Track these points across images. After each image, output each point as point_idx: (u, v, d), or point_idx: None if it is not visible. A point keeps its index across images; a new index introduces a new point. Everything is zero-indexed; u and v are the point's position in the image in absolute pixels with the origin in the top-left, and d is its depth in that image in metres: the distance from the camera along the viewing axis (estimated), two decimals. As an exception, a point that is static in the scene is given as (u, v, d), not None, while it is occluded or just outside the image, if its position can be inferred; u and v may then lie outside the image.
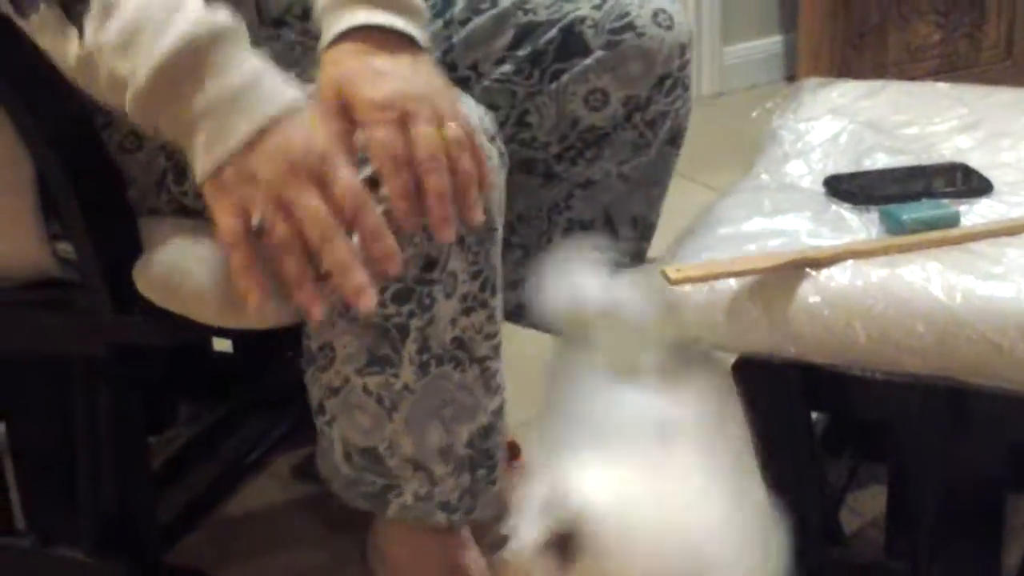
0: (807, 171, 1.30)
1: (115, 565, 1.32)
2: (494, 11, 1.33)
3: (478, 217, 1.03)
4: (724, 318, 1.13)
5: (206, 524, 1.52)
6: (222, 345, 1.68)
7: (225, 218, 0.98)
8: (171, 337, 1.17)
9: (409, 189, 1.00)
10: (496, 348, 1.17)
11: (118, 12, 0.98)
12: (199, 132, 0.98)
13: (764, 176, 1.30)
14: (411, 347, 1.13)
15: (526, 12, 1.33)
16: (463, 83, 1.30)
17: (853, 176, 1.27)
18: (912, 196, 1.21)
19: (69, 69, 1.02)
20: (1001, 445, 1.19)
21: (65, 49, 1.01)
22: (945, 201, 1.20)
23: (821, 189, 1.25)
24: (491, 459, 1.20)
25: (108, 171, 1.15)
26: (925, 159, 1.30)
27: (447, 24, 1.34)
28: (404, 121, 1.00)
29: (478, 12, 1.34)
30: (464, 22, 1.34)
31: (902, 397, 1.17)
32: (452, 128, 1.01)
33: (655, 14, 1.32)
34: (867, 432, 1.47)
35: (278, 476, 1.65)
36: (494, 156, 1.11)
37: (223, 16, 0.99)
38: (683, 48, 1.34)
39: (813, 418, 1.30)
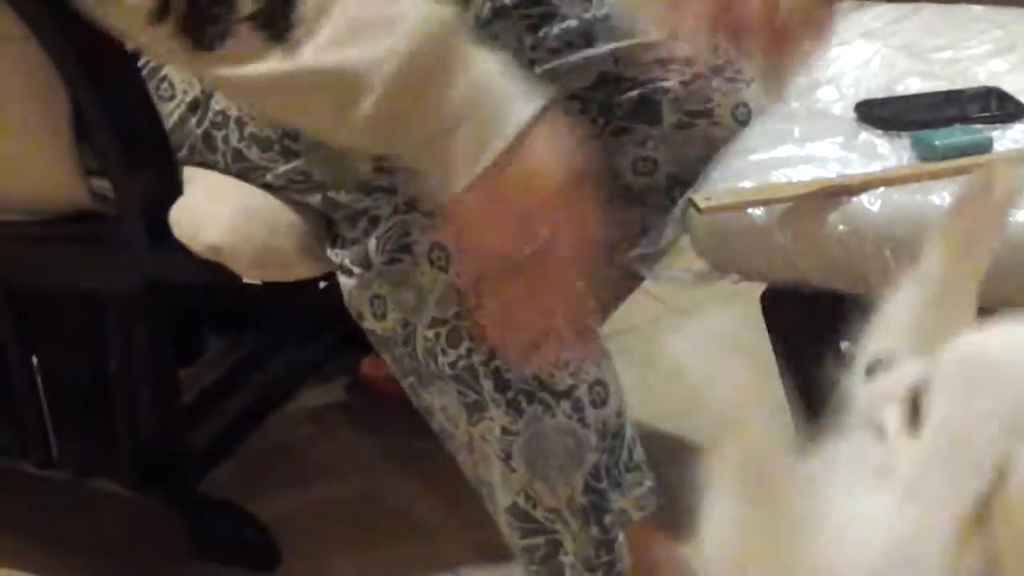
0: (838, 97, 1.29)
1: (152, 497, 1.36)
2: (587, 53, 1.30)
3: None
4: (753, 248, 1.13)
5: (235, 456, 1.54)
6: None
7: (482, 248, 0.95)
8: (207, 275, 1.18)
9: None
10: (578, 375, 1.15)
11: (330, 22, 0.92)
12: (440, 148, 0.94)
13: (794, 103, 1.30)
14: (487, 384, 1.13)
15: (617, 62, 1.31)
16: None
17: (885, 101, 1.26)
18: (945, 121, 1.21)
19: (248, 89, 0.97)
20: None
21: (248, 69, 0.95)
22: (978, 126, 1.20)
23: (852, 115, 1.25)
24: (608, 504, 1.18)
25: (146, 106, 1.16)
26: (958, 83, 1.29)
27: (535, 46, 1.30)
28: None
29: (572, 46, 1.30)
30: (555, 51, 1.30)
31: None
32: None
33: (736, 107, 1.32)
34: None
35: (308, 408, 1.67)
36: None
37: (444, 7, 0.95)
38: None
39: (843, 348, 1.30)
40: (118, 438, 1.33)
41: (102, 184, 1.18)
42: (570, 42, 1.31)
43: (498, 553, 1.38)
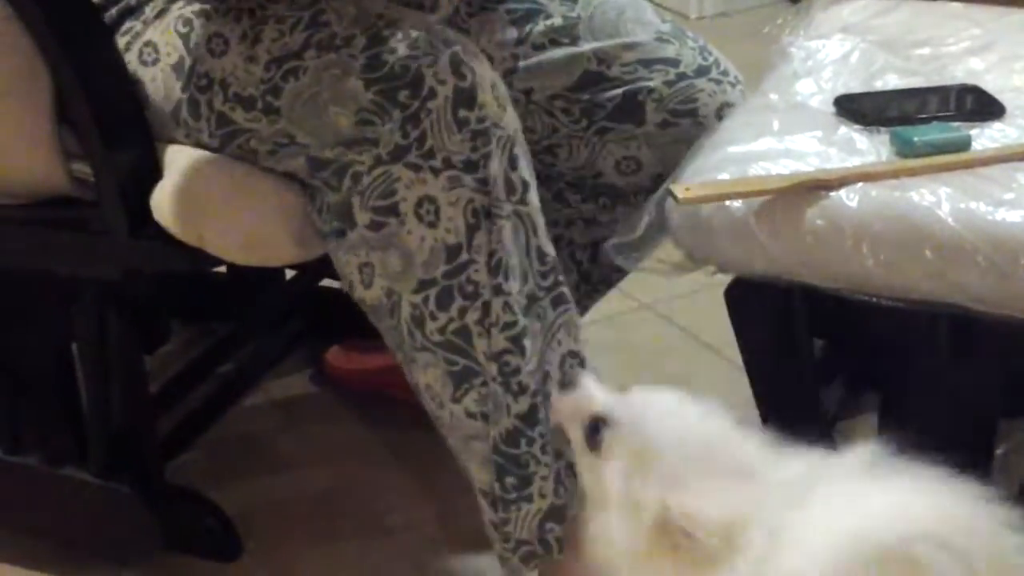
0: (817, 90, 1.32)
1: (121, 485, 1.36)
2: (572, 49, 1.34)
3: None
4: (730, 239, 1.14)
5: (201, 446, 1.54)
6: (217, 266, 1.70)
7: None
8: (188, 264, 1.19)
9: None
10: (516, 339, 1.15)
11: None
12: None
13: (773, 95, 1.32)
14: (481, 344, 1.14)
15: (600, 62, 1.34)
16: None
17: (864, 96, 1.29)
18: (923, 118, 1.23)
19: None
20: (1000, 373, 1.22)
21: None
22: (956, 124, 1.23)
23: (831, 109, 1.27)
24: (522, 468, 1.17)
25: (126, 88, 1.18)
26: (937, 80, 1.32)
27: (520, 41, 1.34)
28: None
29: (556, 43, 1.34)
30: (539, 47, 1.34)
31: (906, 323, 1.19)
32: None
33: (721, 107, 1.34)
34: (861, 359, 1.48)
35: (273, 398, 1.68)
36: (507, 123, 1.13)
37: None
38: None
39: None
40: (90, 427, 1.34)
41: (82, 168, 1.19)
42: (554, 39, 1.34)
43: (462, 546, 1.40)
